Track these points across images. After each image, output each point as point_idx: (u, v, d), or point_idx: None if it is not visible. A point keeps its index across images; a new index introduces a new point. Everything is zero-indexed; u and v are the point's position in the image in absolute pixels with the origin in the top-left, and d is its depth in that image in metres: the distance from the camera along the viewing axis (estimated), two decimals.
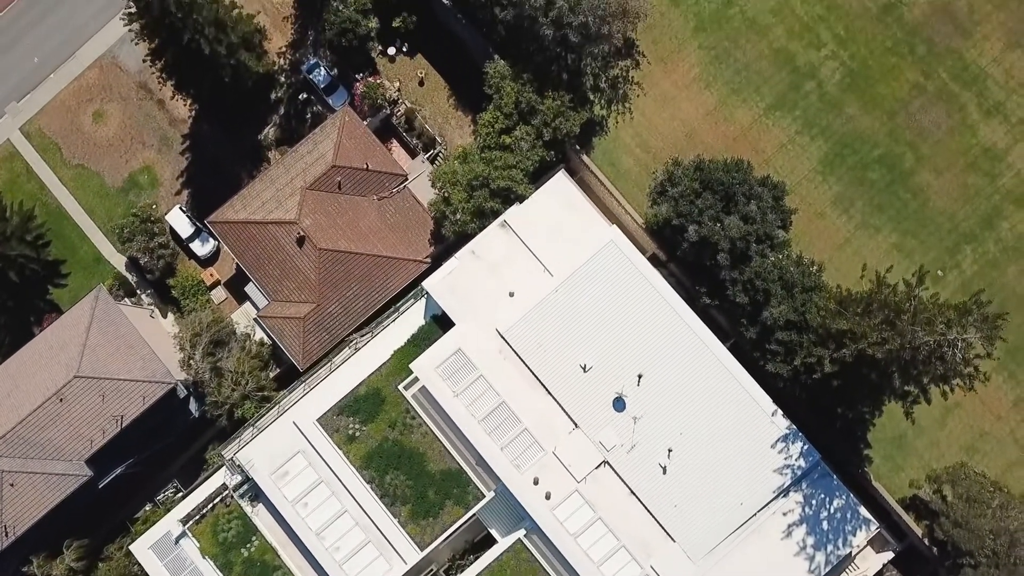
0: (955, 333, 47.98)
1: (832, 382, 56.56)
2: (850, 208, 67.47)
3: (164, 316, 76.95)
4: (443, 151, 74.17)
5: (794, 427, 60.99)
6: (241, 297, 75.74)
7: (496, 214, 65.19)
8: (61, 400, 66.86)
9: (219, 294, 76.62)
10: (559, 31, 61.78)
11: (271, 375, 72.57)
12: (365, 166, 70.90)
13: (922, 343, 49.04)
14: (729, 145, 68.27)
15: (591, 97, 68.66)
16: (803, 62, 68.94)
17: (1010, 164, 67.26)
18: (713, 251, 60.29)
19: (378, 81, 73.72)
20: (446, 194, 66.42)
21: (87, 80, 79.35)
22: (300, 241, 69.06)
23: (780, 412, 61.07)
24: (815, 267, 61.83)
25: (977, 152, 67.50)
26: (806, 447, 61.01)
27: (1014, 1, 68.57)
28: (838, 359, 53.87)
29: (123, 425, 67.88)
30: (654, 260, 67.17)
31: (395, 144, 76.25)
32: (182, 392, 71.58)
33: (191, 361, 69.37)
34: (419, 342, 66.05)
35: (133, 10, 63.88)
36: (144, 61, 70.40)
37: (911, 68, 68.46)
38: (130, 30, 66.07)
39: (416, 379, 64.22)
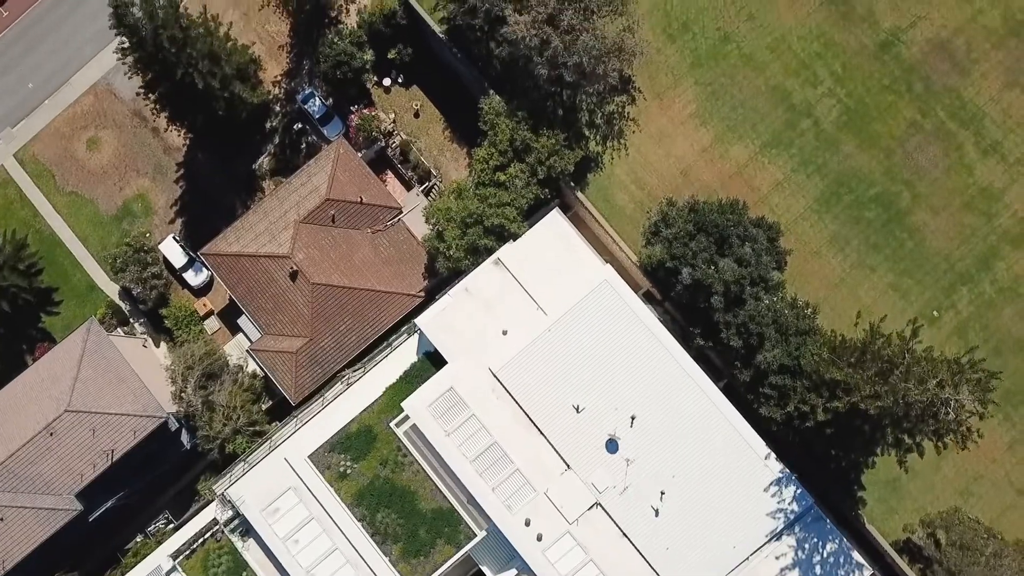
0: (948, 393, 47.62)
1: (826, 429, 56.19)
2: (846, 247, 67.10)
3: (157, 345, 76.70)
4: (438, 183, 73.89)
5: (787, 471, 60.63)
6: (234, 327, 75.48)
7: (490, 251, 64.85)
8: (51, 434, 66.51)
9: (212, 324, 76.33)
10: (554, 70, 61.42)
11: (263, 407, 72.28)
12: (359, 199, 70.59)
13: (915, 401, 48.69)
14: (724, 183, 67.96)
15: (586, 133, 68.35)
16: (799, 99, 68.60)
17: (1007, 204, 66.89)
18: (707, 294, 59.93)
19: (373, 113, 73.41)
20: (440, 230, 66.06)
21: (82, 107, 79.09)
22: (293, 275, 68.73)
23: (773, 455, 60.70)
24: (810, 309, 61.47)
25: (974, 191, 67.15)
26: (799, 491, 60.63)
27: (1012, 39, 68.20)
28: (831, 409, 53.54)
29: (114, 459, 67.55)
30: (648, 297, 66.92)
31: (390, 175, 75.97)
32: (174, 425, 71.27)
33: (183, 395, 69.00)
34: (412, 379, 65.68)
35: (126, 45, 63.49)
36: (137, 94, 70.07)
37: (908, 106, 68.10)
38: (123, 63, 65.72)
39: (408, 417, 63.89)
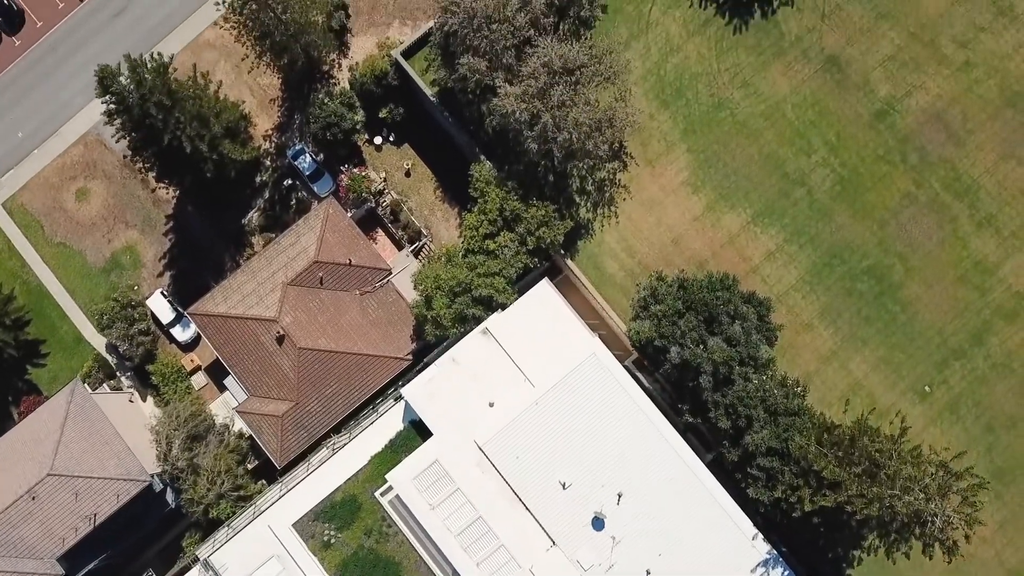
0: (934, 507, 46.98)
1: (813, 519, 55.57)
2: (837, 319, 66.44)
3: (144, 399, 76.16)
4: (429, 243, 73.27)
5: (775, 552, 59.95)
6: (222, 383, 74.88)
7: (478, 320, 64.22)
8: (34, 498, 65.98)
9: (199, 380, 75.79)
10: (544, 145, 60.79)
11: (249, 467, 71.74)
12: (348, 261, 69.98)
13: (901, 511, 48.07)
14: (716, 252, 67.30)
15: (577, 199, 67.75)
16: (793, 168, 67.95)
17: (1001, 278, 66.18)
18: (696, 373, 59.28)
19: (363, 173, 72.83)
20: (428, 297, 65.41)
21: (71, 157, 78.58)
22: (280, 339, 68.15)
23: (761, 536, 60.01)
24: (799, 388, 60.84)
25: (968, 265, 66.45)
26: (787, 573, 59.97)
27: (1008, 110, 67.50)
28: (818, 503, 52.93)
29: (97, 523, 66.97)
30: (638, 364, 66.25)
31: (380, 233, 75.39)
32: (158, 486, 70.73)
33: (167, 457, 68.41)
34: (397, 448, 65.03)
35: (112, 110, 62.89)
36: (125, 156, 69.43)
37: (903, 177, 67.43)
38: (109, 124, 65.13)
39: (392, 487, 63.28)
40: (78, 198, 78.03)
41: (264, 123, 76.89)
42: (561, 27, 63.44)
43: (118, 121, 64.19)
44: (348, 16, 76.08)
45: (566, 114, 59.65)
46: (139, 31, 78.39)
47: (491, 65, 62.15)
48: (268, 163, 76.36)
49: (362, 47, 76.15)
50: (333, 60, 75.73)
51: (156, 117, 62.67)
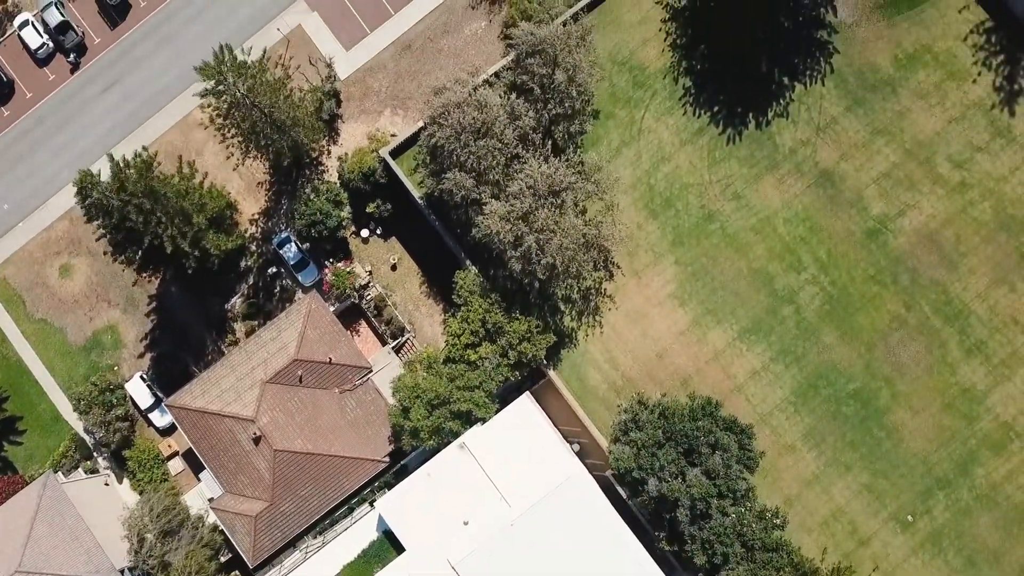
0: None
1: None
2: (821, 443, 65.42)
3: (120, 482, 75.30)
4: (412, 339, 72.35)
5: None
6: (199, 468, 73.99)
7: (456, 434, 63.36)
8: None
9: (176, 464, 74.94)
10: (528, 265, 59.87)
11: (222, 559, 70.92)
12: (328, 359, 69.08)
13: None
14: (700, 368, 66.32)
15: (562, 307, 66.84)
16: (782, 285, 66.97)
17: (989, 407, 65.12)
18: (673, 505, 58.33)
19: (348, 268, 71.88)
20: (406, 407, 64.52)
21: (56, 232, 77.74)
22: (256, 440, 67.25)
23: None
24: (779, 519, 59.88)
25: (955, 392, 65.41)
26: None
27: (1002, 234, 66.46)
28: None
29: None
30: (618, 478, 65.26)
31: (363, 325, 74.50)
32: None
33: (139, 553, 67.56)
34: (370, 559, 64.36)
35: (92, 212, 62.11)
36: (106, 253, 68.59)
37: (893, 298, 66.42)
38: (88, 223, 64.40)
39: None
40: (61, 274, 77.20)
41: (251, 206, 76.04)
42: (548, 142, 62.53)
43: (96, 222, 63.20)
44: (339, 103, 75.25)
45: (550, 238, 58.70)
46: (128, 107, 77.63)
47: (478, 180, 61.30)
48: (254, 248, 75.50)
49: (352, 134, 75.33)
50: (323, 146, 74.89)
51: (136, 220, 61.75)
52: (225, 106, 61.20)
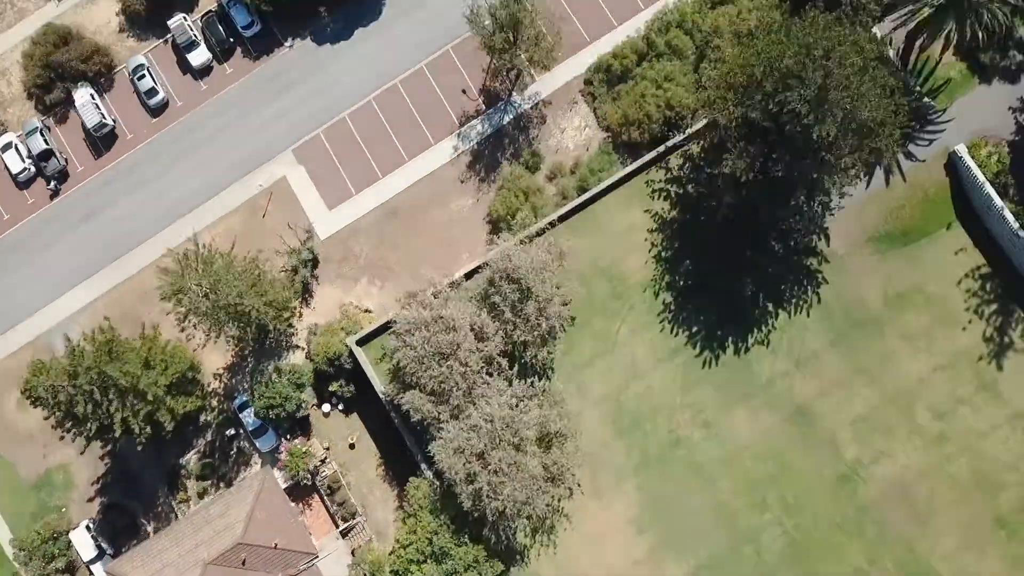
0: None
1: None
2: None
3: None
4: (363, 523, 70.46)
5: None
6: None
7: None
8: None
9: None
10: (478, 503, 57.94)
11: None
12: (274, 544, 67.30)
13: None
14: None
15: (514, 524, 64.74)
16: (745, 524, 64.82)
17: None
18: None
19: (305, 447, 69.99)
20: None
21: (19, 361, 76.03)
22: None
23: None
24: None
25: None
26: None
27: (977, 494, 64.08)
28: None
29: None
30: None
31: (316, 500, 72.61)
32: None
33: None
34: None
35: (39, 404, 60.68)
36: (54, 427, 67.05)
37: (857, 550, 64.15)
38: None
39: None
40: (19, 407, 75.48)
41: (216, 360, 74.28)
42: (515, 366, 60.78)
43: (40, 408, 61.88)
44: (317, 263, 73.48)
45: (503, 481, 56.76)
46: (101, 239, 76.40)
47: (437, 401, 59.46)
48: (215, 403, 73.83)
49: (327, 299, 73.60)
50: (295, 308, 73.14)
51: (84, 408, 60.22)
52: (184, 311, 59.68)
